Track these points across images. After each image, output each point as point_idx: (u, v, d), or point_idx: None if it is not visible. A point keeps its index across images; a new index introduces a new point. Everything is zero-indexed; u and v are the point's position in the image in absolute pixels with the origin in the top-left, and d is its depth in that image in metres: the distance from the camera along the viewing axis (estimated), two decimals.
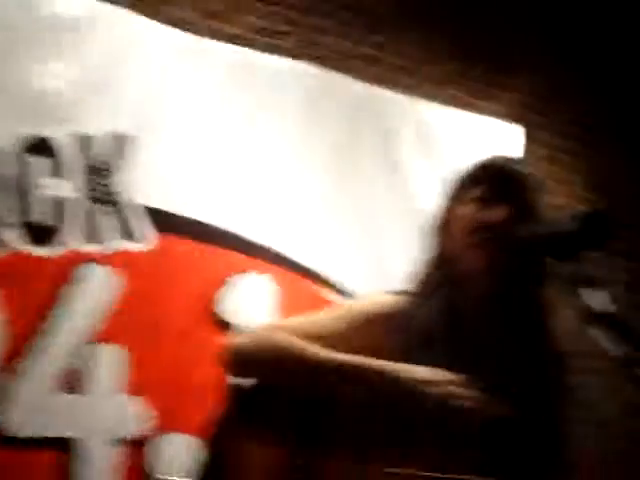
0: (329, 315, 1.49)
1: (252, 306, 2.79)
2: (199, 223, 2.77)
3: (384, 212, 3.11)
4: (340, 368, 1.34)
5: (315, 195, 3.00)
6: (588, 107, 4.13)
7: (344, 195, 3.05)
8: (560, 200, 3.86)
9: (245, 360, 1.41)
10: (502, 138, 3.43)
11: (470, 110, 3.56)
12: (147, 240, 2.67)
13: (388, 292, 1.52)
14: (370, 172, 3.12)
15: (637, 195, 4.24)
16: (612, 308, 1.10)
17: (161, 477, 2.32)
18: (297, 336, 1.40)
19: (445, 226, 1.50)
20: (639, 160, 4.30)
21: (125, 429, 2.53)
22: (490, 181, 1.46)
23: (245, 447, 1.35)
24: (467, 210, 1.46)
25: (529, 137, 3.87)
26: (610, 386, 3.86)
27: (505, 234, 1.38)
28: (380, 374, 1.32)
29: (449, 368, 1.33)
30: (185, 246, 2.73)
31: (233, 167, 2.86)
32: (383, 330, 1.43)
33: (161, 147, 2.75)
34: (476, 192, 1.46)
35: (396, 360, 1.37)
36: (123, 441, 2.52)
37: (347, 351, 1.37)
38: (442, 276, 1.47)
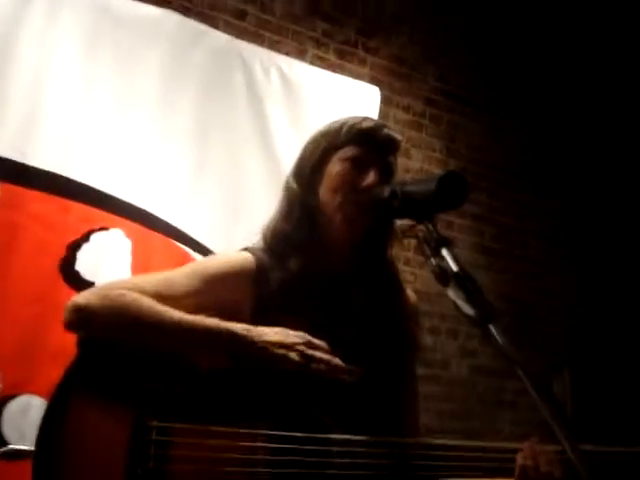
0: (182, 273, 1.44)
1: (109, 263, 2.68)
2: (52, 175, 2.61)
3: (247, 168, 3.05)
4: (191, 330, 1.32)
5: (177, 149, 2.91)
6: (452, 74, 4.25)
7: (207, 150, 2.97)
8: (419, 165, 3.97)
9: (89, 318, 1.35)
10: (360, 99, 3.43)
11: (335, 71, 3.57)
12: None
13: (245, 249, 1.49)
14: (234, 128, 3.05)
15: (493, 161, 4.42)
16: (465, 268, 1.13)
17: (12, 446, 2.20)
18: (147, 294, 1.35)
19: (311, 183, 1.48)
20: (497, 127, 4.48)
21: None
22: (365, 143, 1.46)
23: (85, 411, 1.30)
24: (338, 169, 1.46)
25: (392, 102, 3.93)
26: (463, 347, 4.04)
27: (372, 197, 1.39)
28: (233, 336, 1.31)
29: (305, 325, 1.34)
30: (35, 198, 2.57)
31: (91, 117, 2.72)
32: (238, 288, 1.42)
33: (12, 94, 2.58)
34: (349, 152, 1.46)
35: (251, 318, 1.36)
36: None
37: (200, 310, 1.35)
38: (304, 234, 1.45)
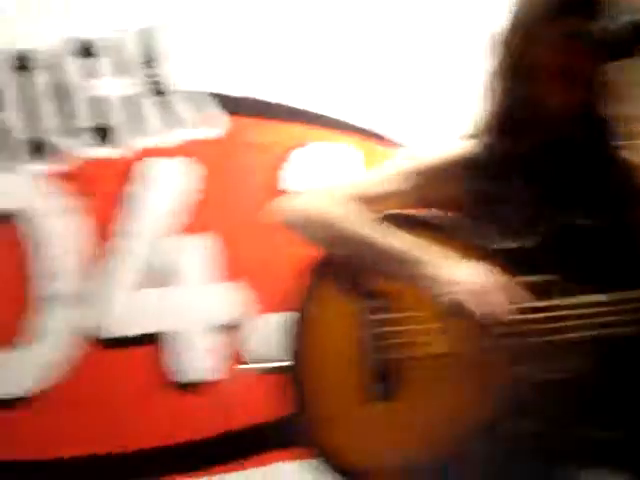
0: (387, 172, 1.42)
1: (320, 176, 2.70)
2: (259, 101, 2.69)
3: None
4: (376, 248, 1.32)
5: (364, 50, 2.77)
6: None
7: (394, 46, 2.79)
8: None
9: (295, 226, 1.41)
10: None
11: None
12: (218, 125, 2.62)
13: (455, 140, 1.41)
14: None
15: None
16: None
17: (257, 364, 2.33)
18: (359, 198, 1.36)
19: (523, 65, 1.35)
20: None
21: (220, 316, 2.57)
22: (580, 13, 1.28)
23: (322, 314, 1.38)
24: (555, 49, 1.31)
25: None
26: None
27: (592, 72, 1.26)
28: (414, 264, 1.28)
29: (522, 217, 1.27)
30: (252, 125, 2.66)
31: (278, 39, 2.73)
32: (456, 179, 1.36)
33: (198, 34, 2.66)
34: (565, 26, 1.30)
35: (470, 210, 1.32)
36: (219, 328, 2.56)
37: (416, 206, 1.33)
38: (518, 120, 1.35)
